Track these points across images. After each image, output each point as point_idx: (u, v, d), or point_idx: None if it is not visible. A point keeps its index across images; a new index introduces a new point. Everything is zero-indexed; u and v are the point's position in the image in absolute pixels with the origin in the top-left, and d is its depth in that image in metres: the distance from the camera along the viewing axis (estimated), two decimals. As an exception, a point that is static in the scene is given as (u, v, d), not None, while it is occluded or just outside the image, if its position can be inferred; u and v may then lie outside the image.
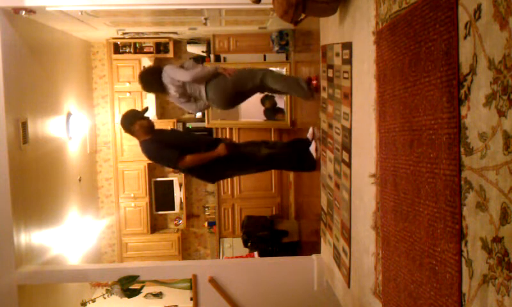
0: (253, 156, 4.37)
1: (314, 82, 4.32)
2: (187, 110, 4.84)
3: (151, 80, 4.45)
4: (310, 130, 4.59)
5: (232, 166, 4.37)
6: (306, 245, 5.42)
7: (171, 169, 7.79)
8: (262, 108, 6.74)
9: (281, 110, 6.67)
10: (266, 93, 6.49)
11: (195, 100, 4.51)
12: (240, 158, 4.35)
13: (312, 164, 4.47)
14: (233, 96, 4.43)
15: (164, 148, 4.11)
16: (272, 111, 6.72)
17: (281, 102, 6.69)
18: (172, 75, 4.32)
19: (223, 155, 4.17)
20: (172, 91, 4.41)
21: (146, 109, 4.37)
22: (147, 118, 4.20)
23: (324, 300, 4.20)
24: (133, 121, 4.08)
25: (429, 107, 1.81)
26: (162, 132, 4.56)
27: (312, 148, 4.47)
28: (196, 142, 4.42)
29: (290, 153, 4.57)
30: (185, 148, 4.14)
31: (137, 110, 4.43)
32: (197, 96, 4.45)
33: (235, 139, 6.98)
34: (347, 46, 3.08)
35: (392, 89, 2.24)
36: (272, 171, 7.16)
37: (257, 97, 6.87)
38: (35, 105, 5.14)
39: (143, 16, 5.81)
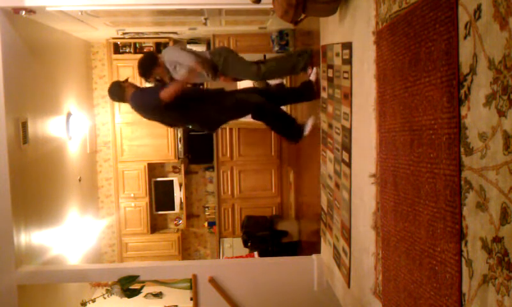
0: (246, 103, 4.29)
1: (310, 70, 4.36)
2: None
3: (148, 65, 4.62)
4: (314, 69, 4.34)
5: (226, 113, 4.33)
6: (306, 245, 5.42)
7: (170, 169, 7.80)
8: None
9: None
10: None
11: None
12: (233, 105, 4.28)
13: (298, 133, 4.38)
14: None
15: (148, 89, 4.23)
16: None
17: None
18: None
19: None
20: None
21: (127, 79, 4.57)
22: None
23: (324, 300, 4.20)
24: (121, 82, 4.26)
25: (429, 107, 1.81)
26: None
27: (313, 74, 4.34)
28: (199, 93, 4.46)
29: (279, 116, 4.41)
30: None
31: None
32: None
33: (235, 139, 6.98)
34: (347, 46, 3.08)
35: (392, 89, 2.24)
36: (272, 170, 7.16)
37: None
38: (35, 105, 5.14)
39: (143, 16, 5.81)
